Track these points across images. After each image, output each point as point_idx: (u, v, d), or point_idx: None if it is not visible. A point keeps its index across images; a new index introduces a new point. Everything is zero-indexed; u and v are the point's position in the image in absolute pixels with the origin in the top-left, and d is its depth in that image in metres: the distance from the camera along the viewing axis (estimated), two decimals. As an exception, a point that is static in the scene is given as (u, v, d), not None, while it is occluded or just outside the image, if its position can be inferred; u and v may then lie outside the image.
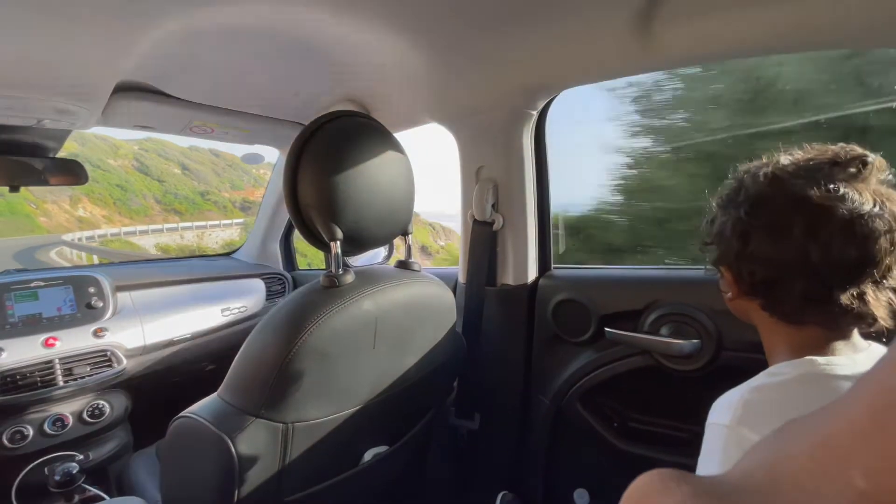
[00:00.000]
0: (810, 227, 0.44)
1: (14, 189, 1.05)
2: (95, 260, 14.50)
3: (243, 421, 0.60)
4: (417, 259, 0.85)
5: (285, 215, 1.67)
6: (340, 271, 0.67)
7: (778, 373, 0.47)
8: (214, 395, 0.67)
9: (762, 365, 0.79)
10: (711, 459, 0.44)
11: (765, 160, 0.53)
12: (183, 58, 0.87)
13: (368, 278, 0.71)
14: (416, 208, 0.79)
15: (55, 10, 0.61)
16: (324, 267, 1.85)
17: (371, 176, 0.66)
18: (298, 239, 1.85)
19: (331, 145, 0.64)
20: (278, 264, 1.77)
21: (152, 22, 0.67)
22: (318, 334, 0.61)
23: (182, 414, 0.65)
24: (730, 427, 0.43)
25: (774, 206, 0.48)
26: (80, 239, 18.76)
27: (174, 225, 25.23)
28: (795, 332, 0.50)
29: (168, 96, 1.03)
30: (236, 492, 0.59)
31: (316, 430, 0.66)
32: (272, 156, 1.65)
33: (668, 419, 0.93)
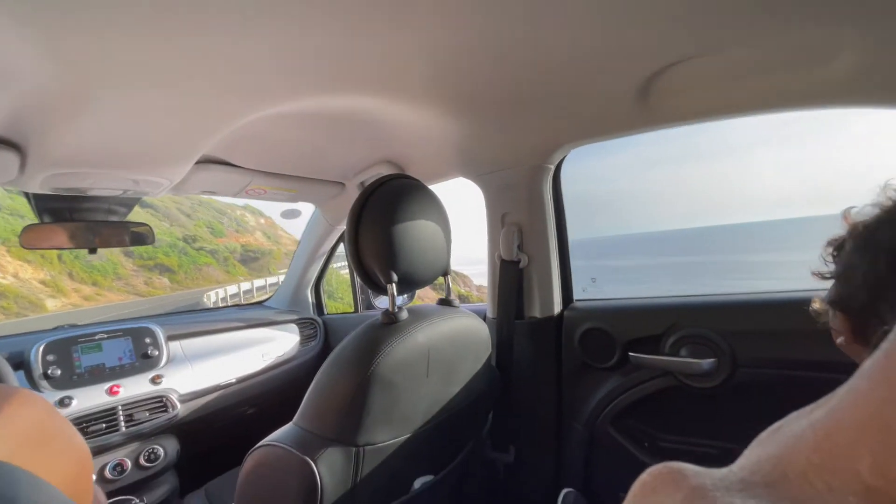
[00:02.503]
0: None
1: (92, 251, 1.19)
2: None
3: (322, 445, 0.68)
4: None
5: (318, 265, 1.80)
6: (396, 309, 0.78)
7: None
8: (290, 423, 0.75)
9: (777, 380, 0.87)
10: None
11: None
12: (249, 134, 1.02)
13: (419, 314, 0.81)
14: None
15: (171, 109, 0.74)
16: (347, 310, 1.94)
17: (418, 228, 0.78)
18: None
19: (386, 204, 0.77)
20: (308, 310, 1.88)
21: (245, 113, 0.82)
22: (385, 365, 0.71)
23: (262, 443, 0.73)
24: None
25: None
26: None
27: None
28: None
29: (231, 165, 1.19)
30: None
31: (381, 453, 0.74)
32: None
33: (695, 436, 1.00)
